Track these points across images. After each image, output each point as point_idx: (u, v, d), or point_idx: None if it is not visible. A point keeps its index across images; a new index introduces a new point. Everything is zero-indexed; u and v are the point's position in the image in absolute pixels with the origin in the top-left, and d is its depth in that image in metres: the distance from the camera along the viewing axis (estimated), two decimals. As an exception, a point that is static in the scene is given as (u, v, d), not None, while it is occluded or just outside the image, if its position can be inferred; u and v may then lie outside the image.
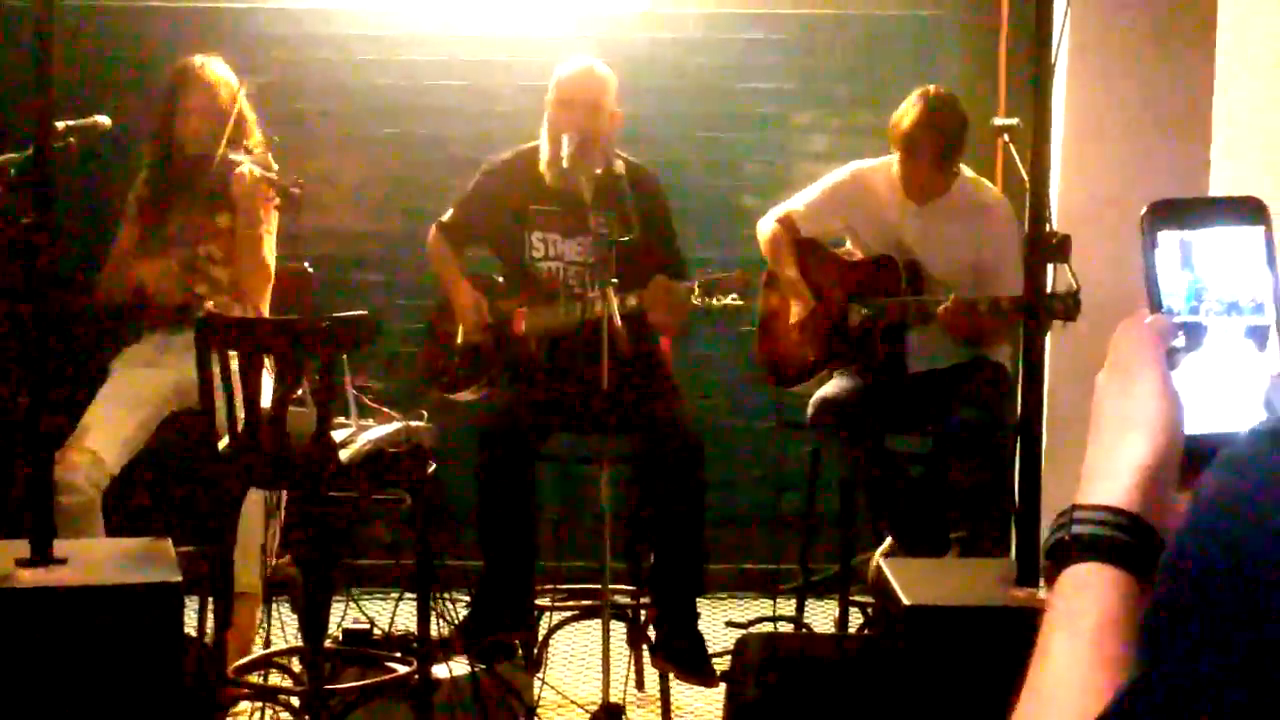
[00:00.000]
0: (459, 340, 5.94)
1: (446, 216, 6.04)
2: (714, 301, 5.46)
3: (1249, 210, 1.38)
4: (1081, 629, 1.28)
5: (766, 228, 6.16)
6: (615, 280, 5.26)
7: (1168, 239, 1.38)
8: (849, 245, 6.12)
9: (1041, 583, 4.26)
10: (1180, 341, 1.36)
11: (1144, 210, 1.39)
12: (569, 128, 5.65)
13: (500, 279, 6.00)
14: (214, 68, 6.03)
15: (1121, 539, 1.31)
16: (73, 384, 5.82)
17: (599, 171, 5.56)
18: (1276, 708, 1.02)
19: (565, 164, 5.53)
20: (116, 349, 6.06)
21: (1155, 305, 1.38)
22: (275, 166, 5.82)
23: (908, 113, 5.85)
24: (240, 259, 5.84)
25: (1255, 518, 1.07)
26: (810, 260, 6.05)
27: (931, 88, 5.92)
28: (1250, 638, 1.04)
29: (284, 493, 5.48)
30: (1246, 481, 1.10)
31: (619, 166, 5.71)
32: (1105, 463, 1.35)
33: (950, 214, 5.91)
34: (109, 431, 5.75)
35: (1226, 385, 1.36)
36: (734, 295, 5.49)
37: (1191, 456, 1.32)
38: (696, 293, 5.47)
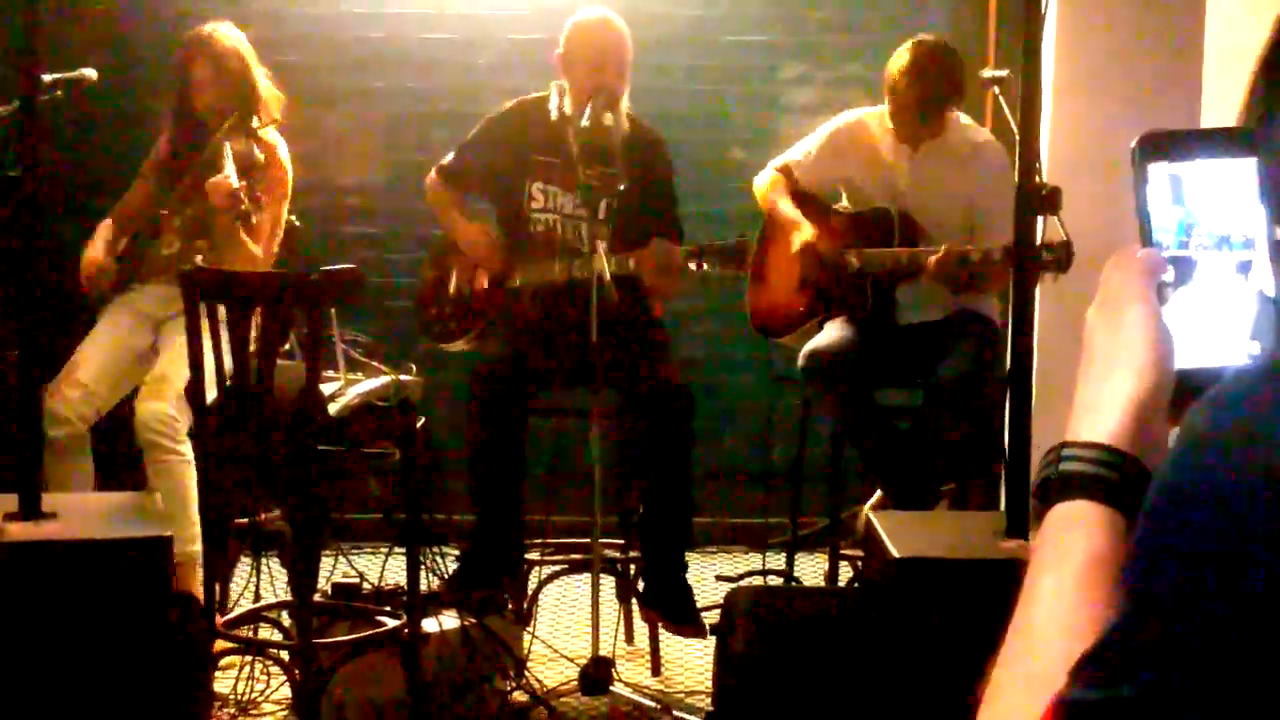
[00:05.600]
0: (452, 290, 5.92)
1: (447, 160, 6.01)
2: (707, 268, 5.46)
3: (1242, 141, 1.37)
4: (1069, 568, 1.27)
5: (764, 178, 6.16)
6: (605, 237, 5.27)
7: (1158, 172, 1.37)
8: (844, 200, 6.11)
9: (1031, 532, 4.26)
10: (1170, 276, 1.35)
11: (1134, 143, 1.38)
12: (592, 78, 5.63)
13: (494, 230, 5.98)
14: (223, 36, 6.04)
15: (1110, 476, 1.30)
16: (61, 331, 5.80)
17: (612, 124, 5.52)
18: (1256, 650, 1.02)
19: (587, 122, 5.47)
20: (108, 296, 6.06)
21: (1146, 240, 1.37)
22: (261, 159, 5.84)
23: (896, 61, 5.85)
24: (220, 247, 5.82)
25: (1239, 456, 1.06)
26: (805, 211, 6.04)
27: (925, 37, 5.91)
28: (1231, 578, 1.04)
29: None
30: (1231, 420, 1.09)
31: (621, 120, 5.69)
32: (1095, 399, 1.34)
33: (945, 157, 5.90)
34: (99, 370, 5.79)
35: (1217, 320, 1.36)
36: (730, 266, 5.50)
37: (1182, 391, 1.31)
38: (689, 259, 5.47)
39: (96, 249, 5.93)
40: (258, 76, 6.04)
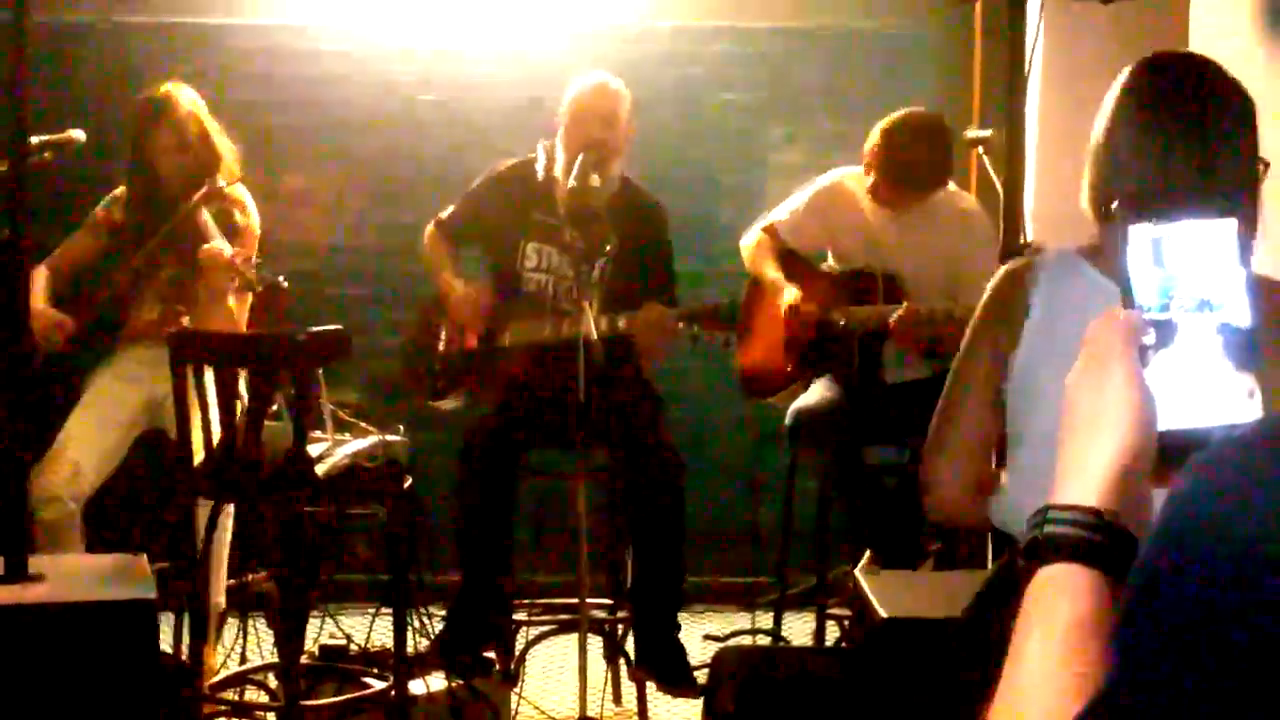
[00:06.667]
0: (442, 348, 5.94)
1: (445, 213, 6.04)
2: (697, 330, 5.50)
3: (1221, 203, 1.38)
4: (1055, 630, 1.28)
5: (750, 239, 6.19)
6: (591, 296, 5.28)
7: (1139, 234, 1.38)
8: (830, 260, 6.13)
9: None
10: (1151, 339, 1.36)
11: (1115, 205, 1.39)
12: (579, 137, 5.65)
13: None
14: (181, 99, 6.00)
15: (1094, 539, 1.31)
16: (47, 398, 5.77)
17: (598, 186, 5.53)
18: (1239, 716, 1.03)
19: (574, 183, 5.48)
20: (92, 363, 6.04)
21: (1127, 302, 1.38)
22: (241, 222, 5.86)
23: (872, 136, 5.90)
24: (203, 317, 5.80)
25: (1223, 525, 1.07)
26: (790, 271, 6.06)
27: (906, 112, 5.93)
28: (1216, 645, 1.04)
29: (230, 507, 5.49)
30: (1217, 487, 1.11)
31: (612, 185, 5.70)
32: (1078, 462, 1.35)
33: (929, 222, 5.93)
34: (88, 445, 5.74)
35: (1198, 381, 1.37)
36: (720, 335, 5.54)
37: (1165, 452, 1.32)
38: (680, 321, 5.50)
39: (38, 303, 5.85)
40: (215, 136, 6.01)
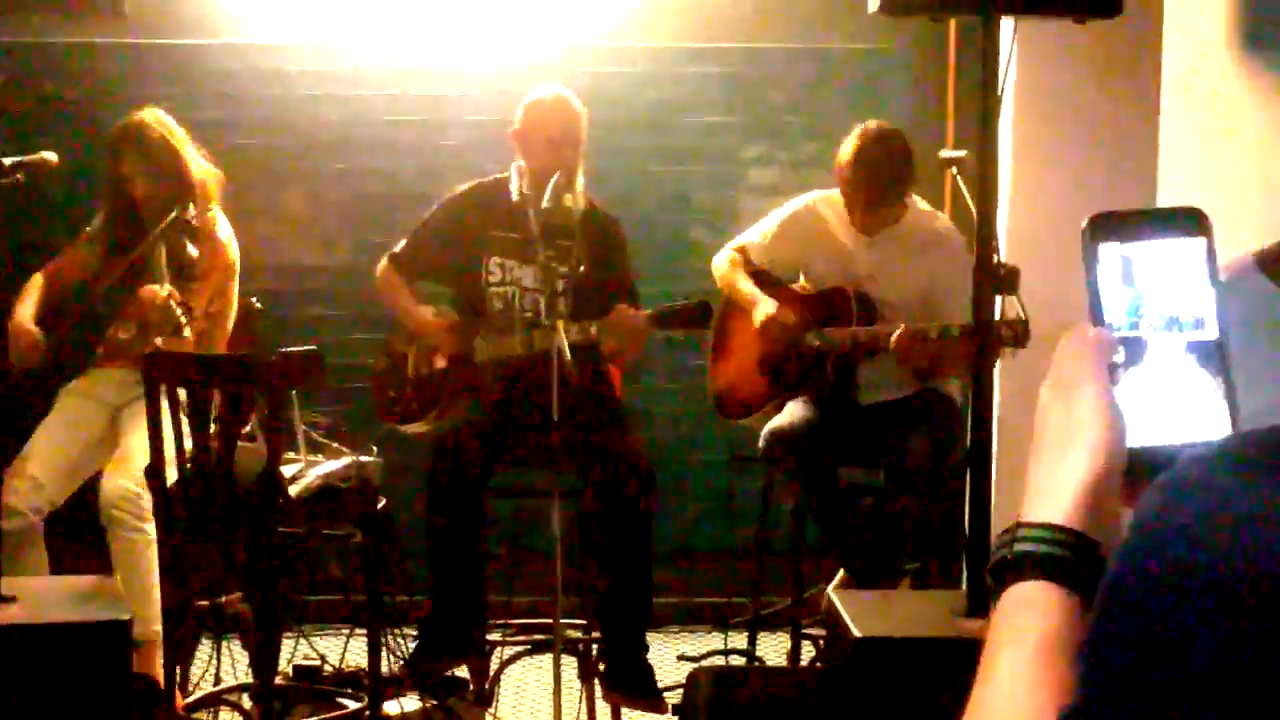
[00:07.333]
0: (410, 372, 5.92)
1: (399, 247, 6.01)
2: (670, 332, 5.51)
3: (1190, 221, 1.38)
4: (1024, 649, 1.28)
5: (721, 259, 6.19)
6: (563, 314, 5.28)
7: (1108, 253, 1.39)
8: (802, 280, 6.13)
9: (990, 612, 4.26)
10: (1120, 357, 1.36)
11: (1085, 223, 1.39)
12: (549, 158, 5.64)
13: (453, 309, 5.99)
14: (151, 125, 5.96)
15: (1064, 557, 1.31)
16: (16, 414, 5.73)
17: (571, 206, 5.53)
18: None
19: (548, 203, 5.46)
20: (62, 380, 6.02)
21: (1097, 320, 1.39)
22: (195, 254, 5.82)
23: (844, 151, 5.89)
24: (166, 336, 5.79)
25: (1189, 542, 1.08)
26: (763, 291, 6.06)
27: (871, 124, 5.94)
28: (1181, 662, 1.05)
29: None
30: (1182, 505, 1.11)
31: (580, 200, 5.71)
32: (1048, 479, 1.35)
33: (903, 244, 5.93)
34: (51, 459, 5.70)
35: (1168, 399, 1.37)
36: (693, 327, 5.55)
37: (1134, 470, 1.32)
38: (651, 324, 5.51)
39: (25, 318, 5.82)
40: (190, 161, 5.96)
